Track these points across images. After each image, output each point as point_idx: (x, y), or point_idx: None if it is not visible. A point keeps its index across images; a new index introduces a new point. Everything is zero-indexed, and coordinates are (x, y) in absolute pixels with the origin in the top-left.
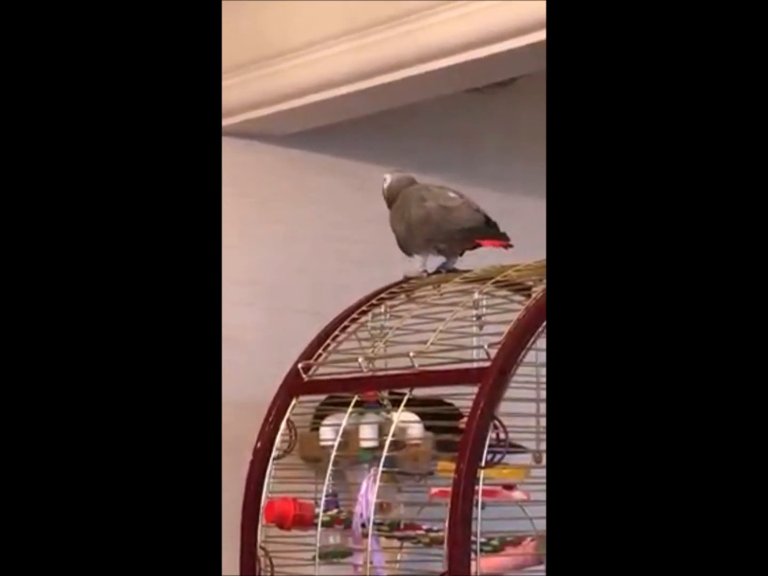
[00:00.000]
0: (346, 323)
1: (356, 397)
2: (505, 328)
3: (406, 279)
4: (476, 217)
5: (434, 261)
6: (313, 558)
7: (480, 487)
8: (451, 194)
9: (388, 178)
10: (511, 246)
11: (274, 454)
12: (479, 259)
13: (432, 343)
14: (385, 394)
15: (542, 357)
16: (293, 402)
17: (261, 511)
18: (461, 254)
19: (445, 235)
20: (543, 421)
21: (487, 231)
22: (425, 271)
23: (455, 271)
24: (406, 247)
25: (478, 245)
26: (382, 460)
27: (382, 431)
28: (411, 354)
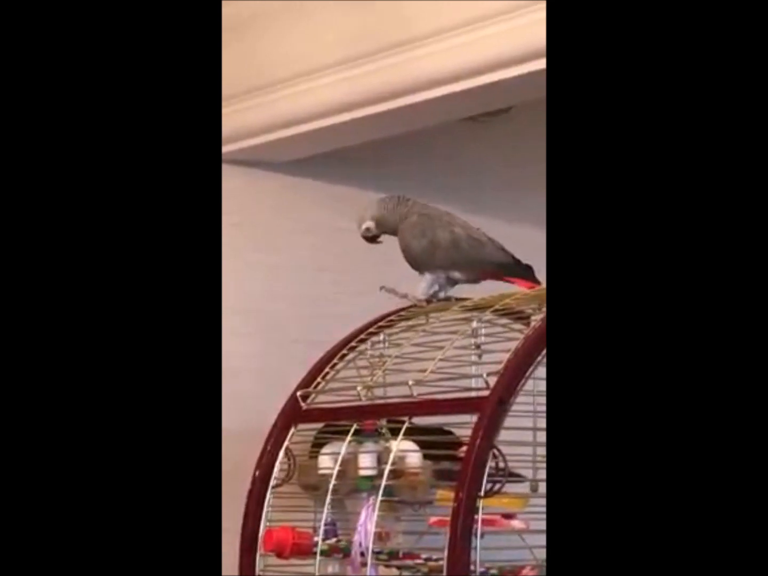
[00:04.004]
0: (344, 351)
1: (355, 426)
2: (505, 357)
3: (414, 303)
4: (504, 255)
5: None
6: None
7: (479, 517)
8: (474, 227)
9: (375, 206)
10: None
11: (272, 482)
12: (478, 286)
13: (431, 372)
14: (383, 422)
15: (540, 385)
16: (292, 430)
17: (259, 539)
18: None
19: (472, 264)
20: (539, 450)
21: (519, 271)
22: (433, 295)
23: (448, 299)
24: (421, 264)
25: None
26: (381, 488)
27: (380, 460)
28: (410, 382)
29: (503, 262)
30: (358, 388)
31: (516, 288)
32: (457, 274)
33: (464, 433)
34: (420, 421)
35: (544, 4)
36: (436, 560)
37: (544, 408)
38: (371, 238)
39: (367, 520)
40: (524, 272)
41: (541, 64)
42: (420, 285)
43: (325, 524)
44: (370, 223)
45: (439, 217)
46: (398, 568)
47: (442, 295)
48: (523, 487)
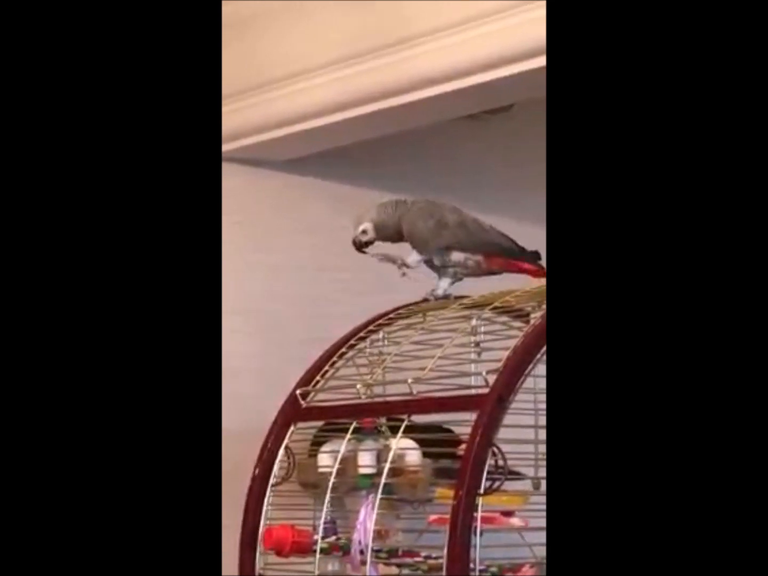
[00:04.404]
0: (344, 350)
1: (354, 424)
2: (504, 354)
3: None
4: (507, 240)
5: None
6: None
7: (479, 514)
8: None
9: (374, 210)
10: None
11: (272, 480)
12: (478, 284)
13: (430, 370)
14: (383, 420)
15: (540, 383)
16: (291, 429)
17: (259, 537)
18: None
19: (476, 245)
20: (541, 448)
21: (527, 255)
22: (431, 293)
23: (447, 297)
24: (425, 244)
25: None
26: (381, 486)
27: (380, 458)
28: (409, 380)
29: (507, 246)
30: (358, 386)
31: (516, 285)
32: (460, 255)
33: (464, 431)
34: (419, 419)
35: (541, 3)
36: (436, 558)
37: (545, 405)
38: (363, 244)
39: (367, 518)
40: (529, 255)
41: (538, 62)
42: (411, 254)
43: (325, 522)
44: (367, 225)
45: (447, 203)
46: (398, 566)
47: (440, 292)
48: (523, 485)
